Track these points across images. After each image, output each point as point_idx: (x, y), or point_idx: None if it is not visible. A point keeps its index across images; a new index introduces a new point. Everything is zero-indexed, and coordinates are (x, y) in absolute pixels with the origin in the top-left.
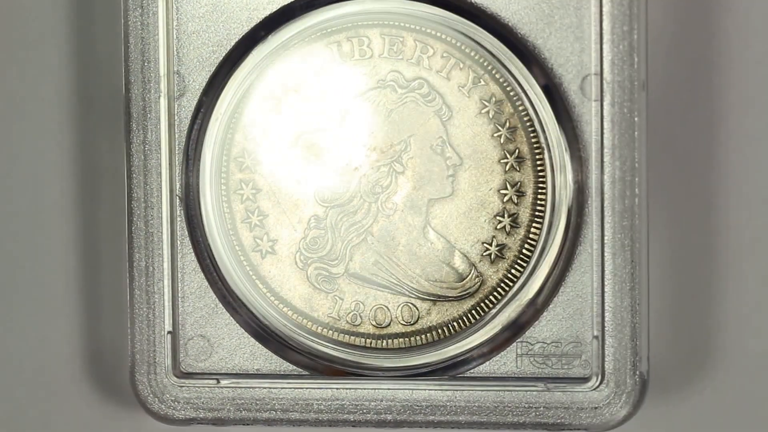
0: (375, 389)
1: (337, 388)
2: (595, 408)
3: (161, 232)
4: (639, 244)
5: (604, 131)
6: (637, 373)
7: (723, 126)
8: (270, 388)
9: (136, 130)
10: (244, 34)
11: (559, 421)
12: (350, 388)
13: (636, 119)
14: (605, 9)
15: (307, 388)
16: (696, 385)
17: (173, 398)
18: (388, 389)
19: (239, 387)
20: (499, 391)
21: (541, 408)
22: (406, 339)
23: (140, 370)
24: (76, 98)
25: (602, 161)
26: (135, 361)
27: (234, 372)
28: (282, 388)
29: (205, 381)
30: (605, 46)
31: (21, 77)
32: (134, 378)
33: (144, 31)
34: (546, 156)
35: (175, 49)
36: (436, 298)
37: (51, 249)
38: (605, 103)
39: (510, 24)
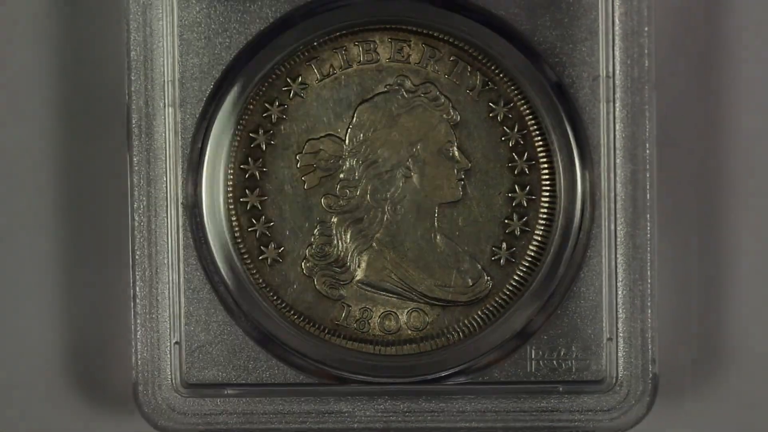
0: (385, 396)
1: (346, 396)
2: (609, 410)
3: (166, 241)
4: (651, 245)
5: (616, 133)
6: (650, 375)
7: (726, 125)
8: (278, 397)
9: (139, 138)
10: (248, 41)
11: (573, 424)
12: (360, 396)
13: (647, 121)
14: (617, 11)
15: (315, 397)
16: (703, 386)
17: (178, 411)
18: (398, 396)
19: (246, 397)
20: (512, 395)
21: (555, 411)
22: (416, 345)
23: (144, 383)
24: (78, 108)
25: (614, 163)
26: (138, 373)
27: (241, 382)
28: (290, 397)
29: (212, 391)
30: (617, 48)
31: (20, 85)
32: (137, 391)
33: (147, 40)
34: (556, 158)
35: (178, 57)
36: (446, 304)
37: (52, 259)
38: (617, 105)
39: (519, 26)
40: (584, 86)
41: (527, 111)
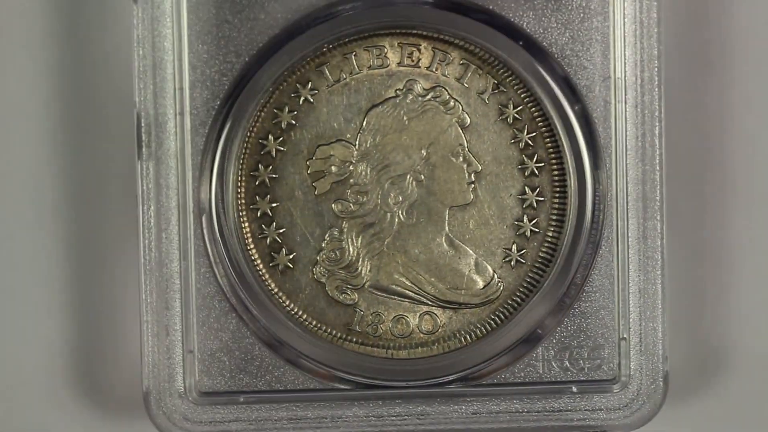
0: (398, 400)
1: (359, 401)
2: (621, 408)
3: (177, 250)
4: (662, 245)
5: (627, 133)
6: (662, 372)
7: (737, 126)
8: (292, 403)
9: (149, 146)
10: (257, 48)
11: (586, 422)
12: (373, 400)
13: (658, 122)
14: (627, 12)
15: (328, 402)
16: (712, 386)
17: (191, 419)
18: (411, 399)
19: (260, 403)
20: (526, 396)
21: (568, 411)
22: (428, 348)
23: (156, 392)
24: (89, 116)
25: (625, 163)
26: (150, 382)
27: (254, 389)
28: (303, 402)
29: (225, 399)
30: (627, 49)
31: (29, 94)
32: (149, 400)
33: (156, 48)
34: (566, 159)
35: (187, 64)
36: (458, 306)
37: (62, 267)
38: (627, 105)
39: (529, 29)
40: (594, 88)
41: (537, 113)
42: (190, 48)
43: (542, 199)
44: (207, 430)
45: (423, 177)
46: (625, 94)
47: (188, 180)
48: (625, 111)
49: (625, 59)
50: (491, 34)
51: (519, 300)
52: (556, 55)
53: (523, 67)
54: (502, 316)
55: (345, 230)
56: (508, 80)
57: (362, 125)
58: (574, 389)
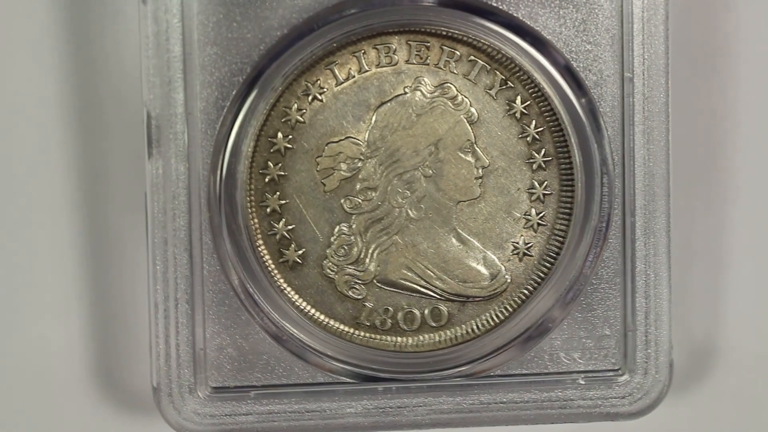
0: (408, 393)
1: (368, 393)
2: (625, 397)
3: (186, 247)
4: (668, 238)
5: (635, 127)
6: (668, 361)
7: (745, 123)
8: (301, 396)
9: (158, 146)
10: (267, 47)
11: (593, 410)
12: (382, 392)
13: (665, 118)
14: (635, 10)
15: (338, 395)
16: (707, 383)
17: (202, 414)
18: (420, 392)
19: (270, 398)
20: (533, 386)
21: (575, 400)
22: (436, 340)
23: (166, 388)
24: (99, 117)
25: (633, 158)
26: (160, 378)
27: (264, 383)
28: (313, 396)
29: (235, 394)
30: (635, 46)
31: (38, 97)
32: (160, 396)
33: (165, 47)
34: (574, 153)
35: (197, 63)
36: (466, 299)
37: (72, 265)
38: (635, 101)
39: (537, 26)
40: (601, 83)
41: (544, 108)
42: (199, 48)
43: (550, 192)
44: (217, 424)
45: (431, 173)
46: (633, 89)
47: (198, 178)
48: (633, 106)
49: (632, 54)
50: (499, 32)
51: (526, 292)
52: (563, 51)
53: (531, 63)
54: (510, 309)
55: (353, 226)
56: (515, 76)
57: (371, 122)
58: (581, 381)
